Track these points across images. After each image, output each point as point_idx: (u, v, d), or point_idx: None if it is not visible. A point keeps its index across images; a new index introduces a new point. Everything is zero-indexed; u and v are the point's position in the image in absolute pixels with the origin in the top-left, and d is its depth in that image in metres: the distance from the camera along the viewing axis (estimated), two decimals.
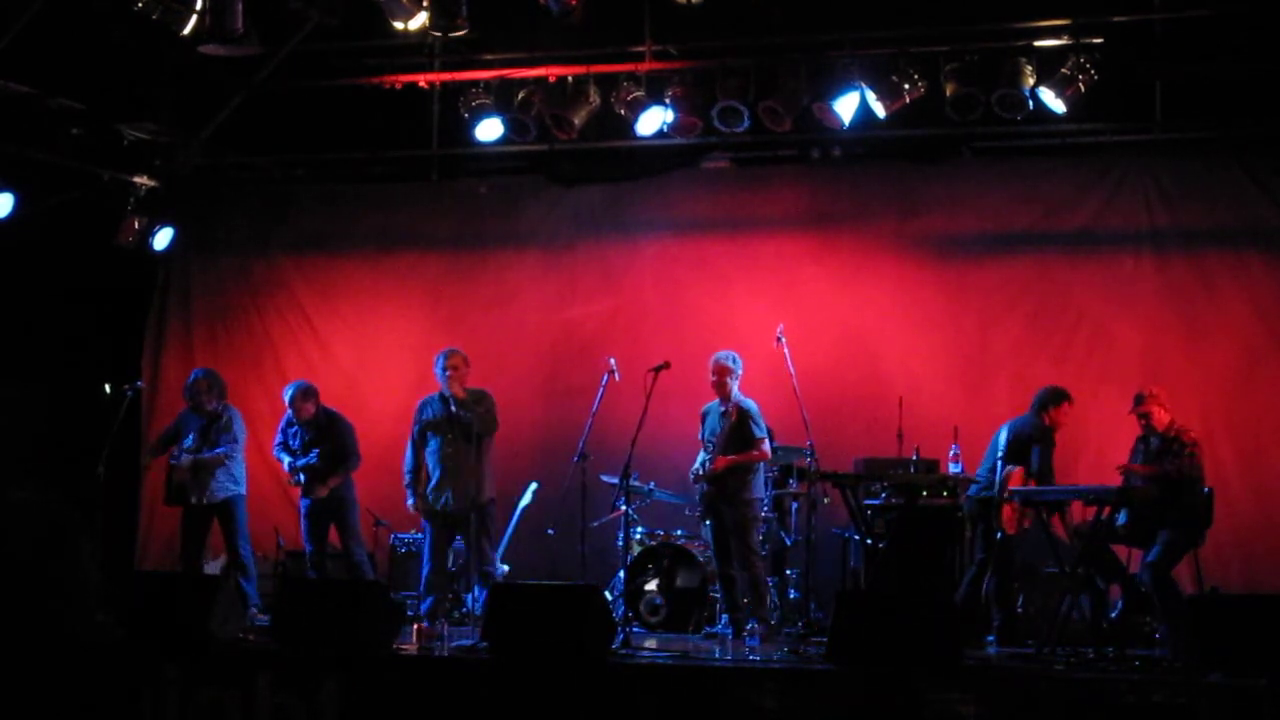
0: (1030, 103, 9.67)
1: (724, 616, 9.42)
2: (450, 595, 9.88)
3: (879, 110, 9.93)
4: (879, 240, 11.13)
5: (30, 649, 7.46)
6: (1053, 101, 9.68)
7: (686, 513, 10.19)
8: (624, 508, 9.17)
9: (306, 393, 10.10)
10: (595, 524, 9.57)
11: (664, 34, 10.40)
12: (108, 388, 10.84)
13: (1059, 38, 9.79)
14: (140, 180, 11.35)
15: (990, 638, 8.89)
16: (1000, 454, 9.06)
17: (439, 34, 9.34)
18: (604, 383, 9.32)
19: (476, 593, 9.36)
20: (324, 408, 10.15)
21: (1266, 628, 6.89)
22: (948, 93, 9.75)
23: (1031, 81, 9.63)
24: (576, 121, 10.32)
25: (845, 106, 9.91)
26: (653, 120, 10.28)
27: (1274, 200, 10.35)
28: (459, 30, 9.13)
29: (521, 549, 10.47)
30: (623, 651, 7.97)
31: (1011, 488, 8.81)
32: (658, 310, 11.29)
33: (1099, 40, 9.69)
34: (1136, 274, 10.60)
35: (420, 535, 10.00)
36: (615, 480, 9.18)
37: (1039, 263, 10.81)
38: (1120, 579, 8.92)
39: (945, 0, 10.09)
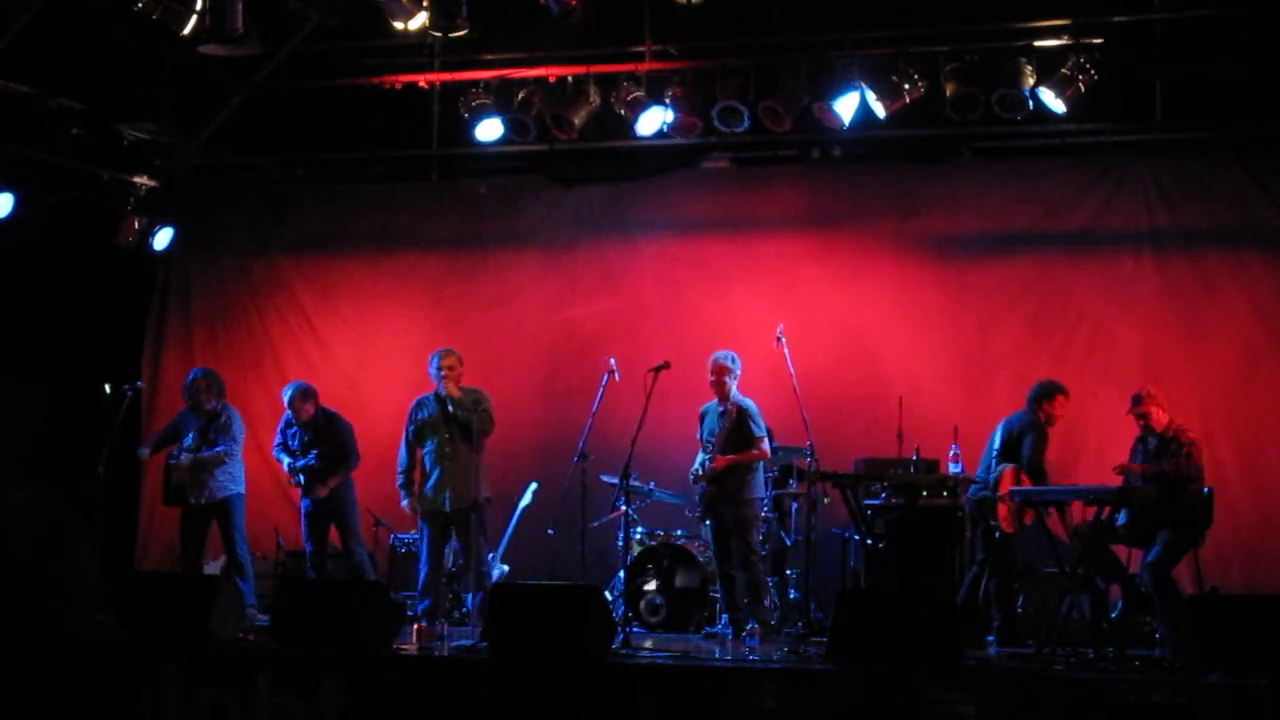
0: (1030, 103, 9.67)
1: (724, 616, 9.42)
2: (450, 595, 9.88)
3: (879, 110, 9.93)
4: (879, 240, 11.13)
5: (30, 649, 7.46)
6: (1053, 101, 9.68)
7: (686, 513, 10.19)
8: (624, 508, 9.17)
9: (305, 393, 10.10)
10: (595, 524, 9.57)
11: (664, 34, 10.40)
12: (108, 388, 10.84)
13: (1059, 38, 9.79)
14: (140, 180, 11.35)
15: (990, 638, 8.89)
16: (994, 453, 9.08)
17: (439, 34, 9.33)
18: (604, 383, 9.32)
19: (473, 594, 9.36)
20: (323, 408, 10.15)
21: (1266, 628, 6.88)
22: (948, 93, 9.75)
23: (1031, 81, 9.63)
24: (576, 121, 10.32)
25: (845, 106, 9.91)
26: (653, 120, 10.28)
27: (1274, 200, 10.35)
28: (459, 30, 9.13)
29: (521, 549, 10.47)
30: (623, 651, 7.97)
31: (1012, 488, 8.81)
32: (658, 310, 11.29)
33: (1099, 40, 9.69)
34: (1136, 274, 10.60)
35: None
36: (615, 480, 9.18)
37: (1039, 263, 10.81)
38: (1120, 579, 8.92)
39: (945, 0, 10.09)
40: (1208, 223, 10.54)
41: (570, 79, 10.34)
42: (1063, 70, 9.62)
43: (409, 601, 9.54)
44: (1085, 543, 8.48)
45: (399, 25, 9.08)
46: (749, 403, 9.35)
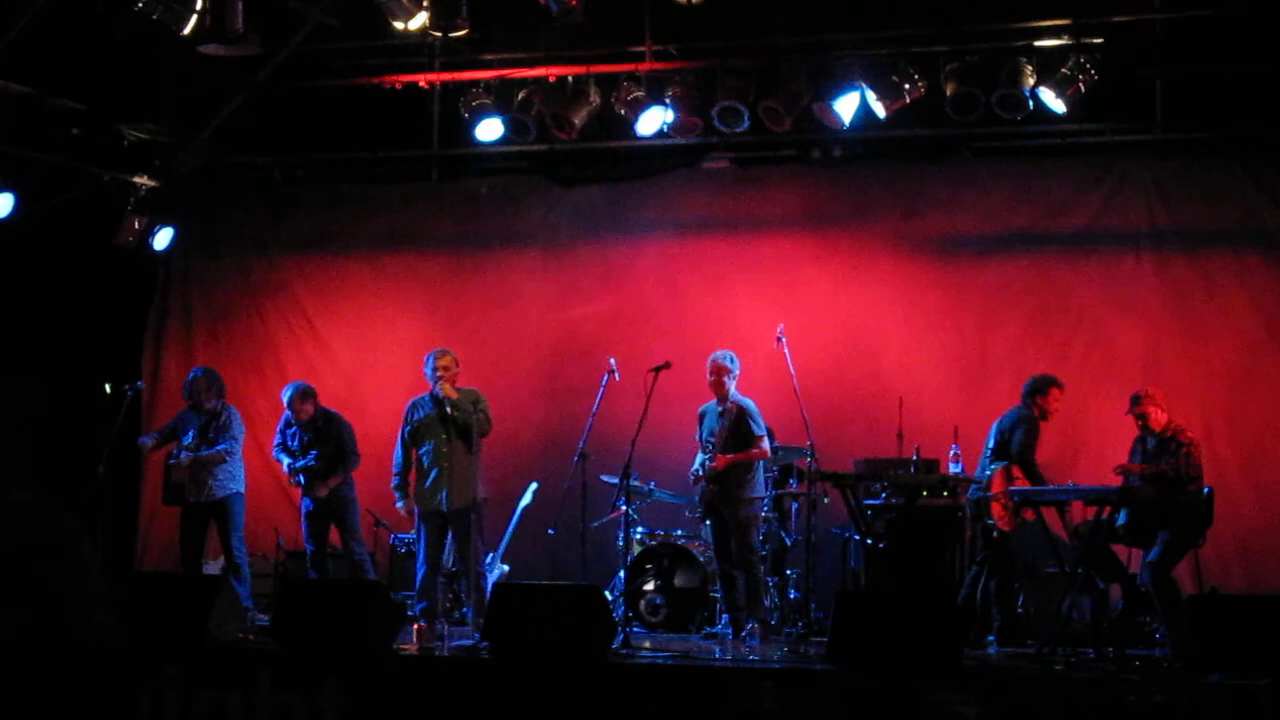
0: (1030, 103, 9.67)
1: (724, 616, 9.42)
2: (450, 595, 9.88)
3: (879, 110, 9.92)
4: (879, 240, 11.13)
5: (29, 650, 7.46)
6: (1053, 101, 9.68)
7: (686, 513, 10.19)
8: (624, 508, 9.18)
9: (305, 394, 10.10)
10: (595, 524, 9.57)
11: (664, 34, 10.40)
12: (108, 388, 10.83)
13: (1059, 38, 9.79)
14: (140, 180, 11.35)
15: (990, 638, 8.89)
16: (988, 452, 9.09)
17: (439, 34, 9.34)
18: (604, 383, 9.32)
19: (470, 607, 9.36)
20: (322, 408, 10.15)
21: (1266, 628, 6.88)
22: (948, 93, 9.75)
23: (1032, 81, 9.63)
24: (577, 121, 10.32)
25: (845, 106, 9.90)
26: (653, 120, 10.28)
27: (1275, 201, 10.35)
28: (459, 30, 9.14)
29: (522, 549, 10.46)
30: (623, 651, 7.98)
31: (1012, 487, 8.81)
32: (658, 310, 11.29)
33: (1099, 40, 9.69)
34: (1136, 274, 10.60)
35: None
36: (615, 480, 9.18)
37: (1039, 263, 10.81)
38: (1120, 579, 8.92)
39: (945, 0, 10.09)
40: (1208, 223, 10.54)
41: (570, 79, 10.34)
42: (1063, 70, 9.61)
43: (409, 601, 9.54)
44: (1085, 543, 8.49)
45: (399, 25, 9.08)
46: (748, 402, 9.35)
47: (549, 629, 7.36)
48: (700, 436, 9.48)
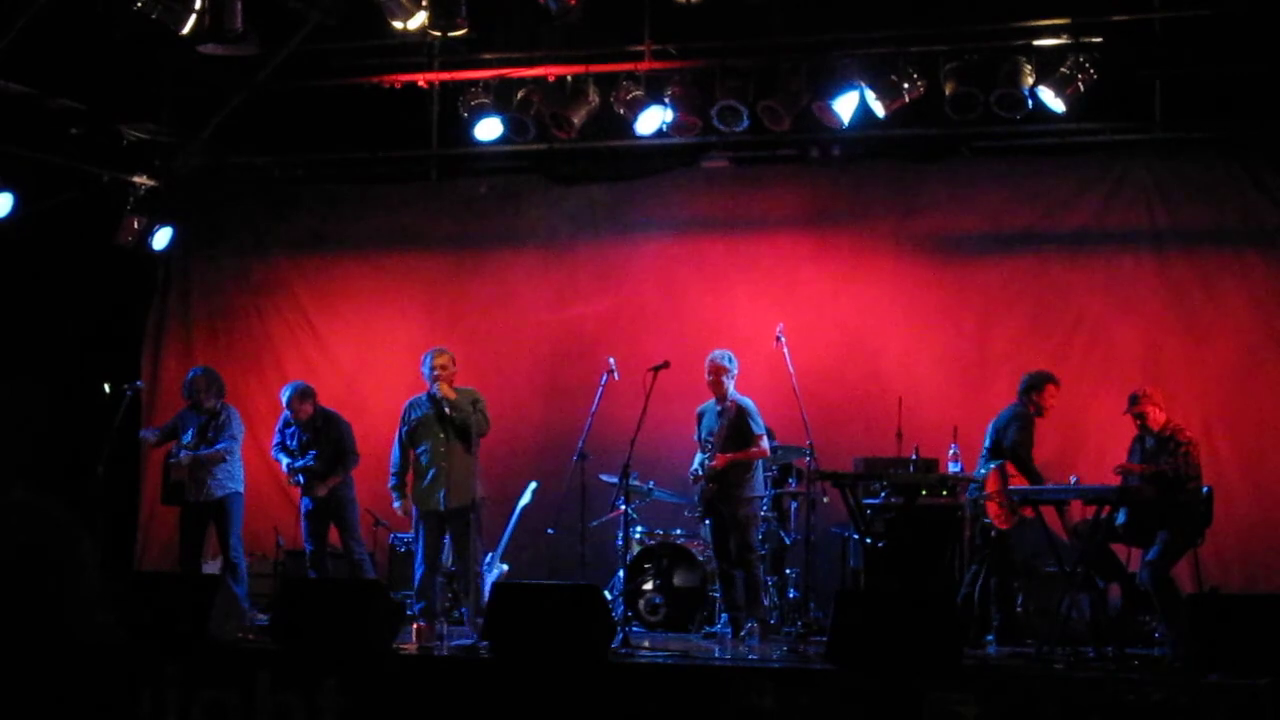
0: (1030, 102, 9.67)
1: (723, 616, 9.42)
2: (449, 595, 9.88)
3: (879, 110, 9.92)
4: (879, 240, 11.13)
5: (30, 649, 7.46)
6: (1052, 101, 9.68)
7: (686, 513, 10.19)
8: (624, 507, 9.17)
9: (304, 394, 10.10)
10: (595, 524, 9.57)
11: (664, 34, 10.40)
12: (108, 388, 10.83)
13: (1059, 37, 9.79)
14: (140, 180, 11.35)
15: (990, 638, 8.89)
16: (985, 452, 9.09)
17: (439, 34, 9.34)
18: (604, 382, 9.33)
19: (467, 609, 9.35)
20: (322, 408, 10.15)
21: (1266, 628, 6.88)
22: (947, 92, 9.75)
23: (1031, 81, 9.63)
24: (576, 121, 10.32)
25: (845, 106, 9.91)
26: (652, 120, 10.28)
27: (1274, 200, 10.34)
28: (458, 30, 9.13)
29: (521, 549, 10.46)
30: (622, 651, 7.98)
31: (1011, 486, 8.80)
32: (657, 310, 11.29)
33: (1099, 40, 9.69)
34: (1136, 274, 10.60)
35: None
36: (615, 480, 9.18)
37: (1039, 262, 10.81)
38: (1120, 579, 8.92)
39: (945, 0, 10.09)
40: (1208, 223, 10.54)
41: (570, 78, 10.34)
42: (1062, 70, 9.62)
43: (408, 601, 9.55)
44: (1085, 542, 8.48)
45: (399, 25, 9.08)
46: (748, 401, 9.35)
47: (549, 628, 7.37)
48: (698, 436, 9.48)
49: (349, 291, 12.01)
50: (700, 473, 9.33)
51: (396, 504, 9.65)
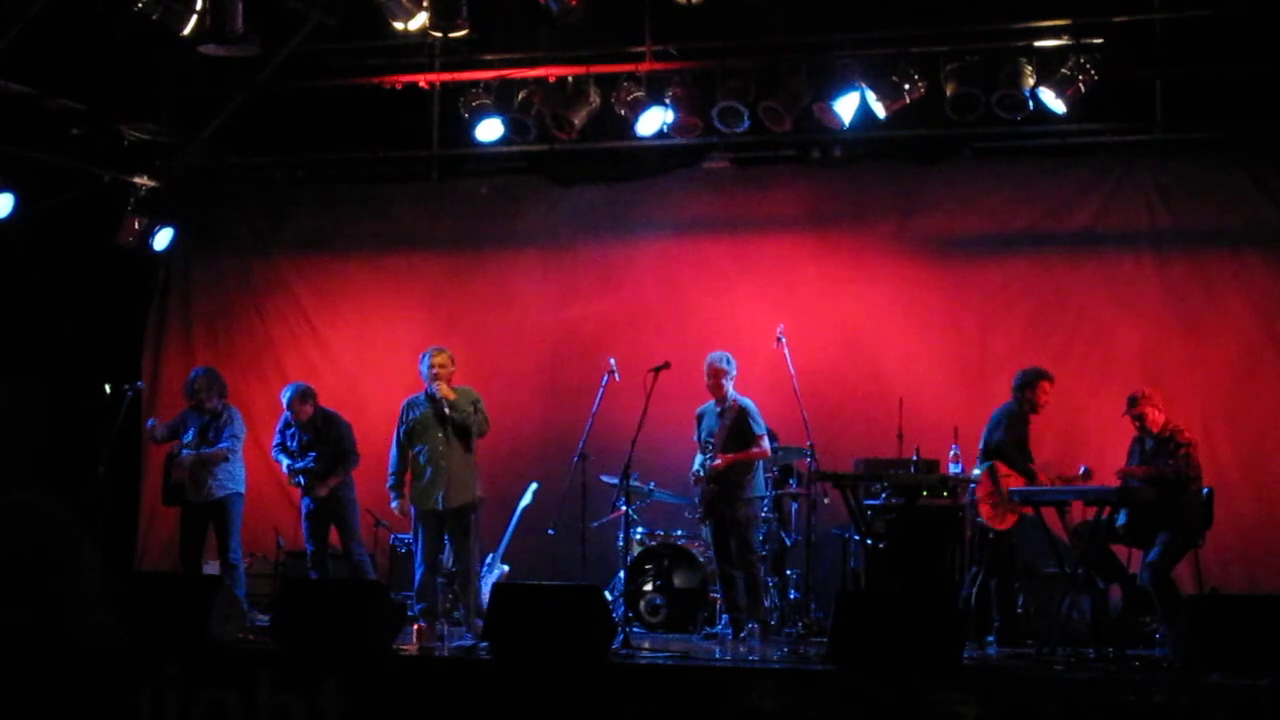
0: (1030, 103, 9.67)
1: (724, 616, 9.42)
2: (450, 596, 9.87)
3: (879, 110, 9.93)
4: (879, 240, 11.14)
5: (30, 649, 7.45)
6: (1053, 102, 9.68)
7: (686, 513, 10.18)
8: (624, 508, 9.18)
9: (304, 394, 10.10)
10: (595, 524, 9.57)
11: (664, 34, 10.40)
12: (108, 388, 10.84)
13: (1059, 38, 9.80)
14: (140, 180, 11.35)
15: (990, 638, 8.89)
16: (980, 453, 9.10)
17: (439, 34, 9.34)
18: (604, 383, 9.33)
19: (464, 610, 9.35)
20: (322, 409, 10.14)
21: (1266, 628, 6.87)
22: (948, 93, 9.75)
23: (1031, 82, 9.63)
24: (577, 121, 10.32)
25: (845, 106, 9.91)
26: (653, 120, 10.28)
27: (1274, 201, 10.35)
28: (459, 30, 9.14)
29: (522, 549, 10.47)
30: (623, 652, 7.98)
31: (1011, 488, 8.80)
32: (658, 310, 11.29)
33: (1099, 40, 9.70)
34: (1136, 274, 10.60)
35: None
36: (615, 480, 9.18)
37: (1039, 263, 10.82)
38: (1120, 579, 8.92)
39: (945, 0, 10.09)
40: (1208, 223, 10.54)
41: (570, 79, 10.34)
42: (1063, 70, 9.62)
43: (408, 602, 9.54)
44: (1085, 543, 8.48)
45: (399, 25, 9.09)
46: (748, 401, 9.35)
47: (549, 629, 7.36)
48: (699, 437, 9.48)
49: (349, 292, 12.01)
50: (701, 473, 9.33)
51: (394, 504, 9.64)
